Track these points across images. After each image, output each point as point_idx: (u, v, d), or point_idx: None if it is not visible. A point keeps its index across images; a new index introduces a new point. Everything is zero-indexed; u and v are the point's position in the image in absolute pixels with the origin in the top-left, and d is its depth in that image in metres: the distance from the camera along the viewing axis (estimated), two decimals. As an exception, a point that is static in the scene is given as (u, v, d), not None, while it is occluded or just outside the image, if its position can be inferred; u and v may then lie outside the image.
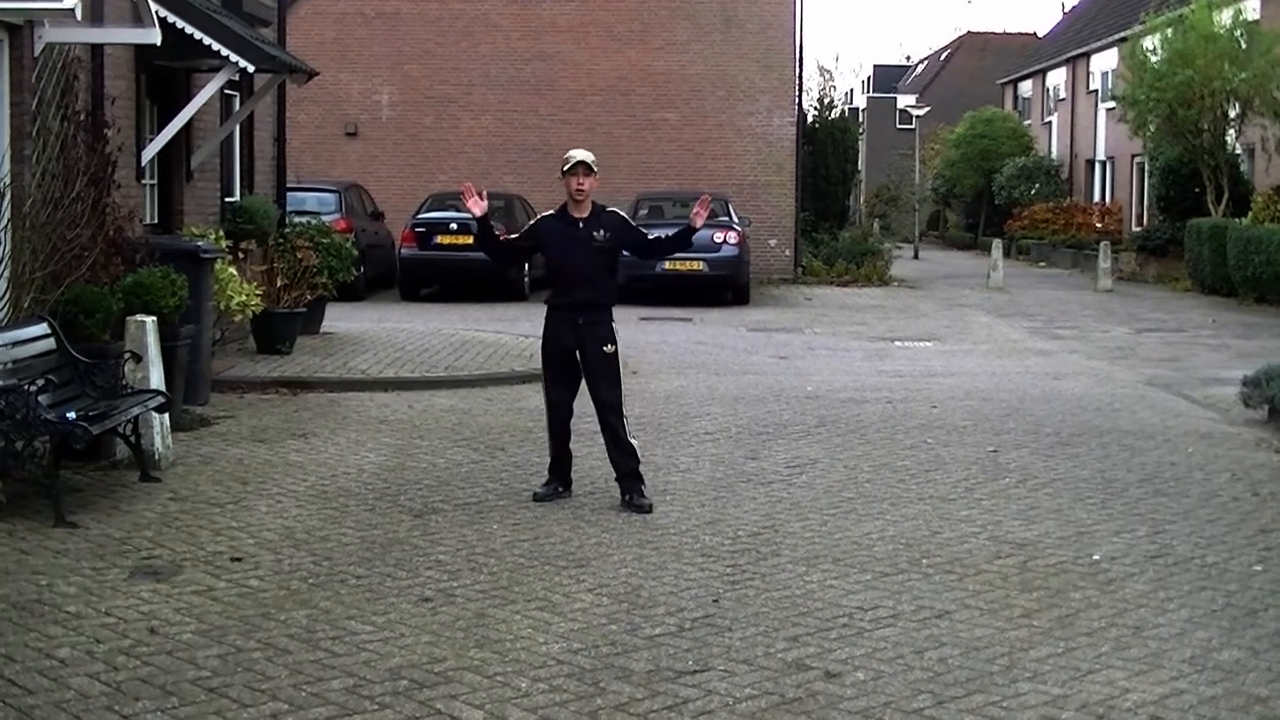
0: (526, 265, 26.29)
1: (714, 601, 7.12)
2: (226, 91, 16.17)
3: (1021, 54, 62.65)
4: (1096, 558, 8.11)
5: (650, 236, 9.64)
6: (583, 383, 9.45)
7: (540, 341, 9.58)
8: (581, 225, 9.28)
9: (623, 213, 9.59)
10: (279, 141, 18.73)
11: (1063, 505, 9.51)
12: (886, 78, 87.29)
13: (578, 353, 9.29)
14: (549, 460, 9.60)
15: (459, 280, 26.31)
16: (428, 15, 32.91)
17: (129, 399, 9.71)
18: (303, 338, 16.53)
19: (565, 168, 9.27)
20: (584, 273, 9.26)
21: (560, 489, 9.45)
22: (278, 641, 6.35)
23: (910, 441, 11.88)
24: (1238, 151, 32.32)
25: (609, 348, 9.29)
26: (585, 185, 9.23)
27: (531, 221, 9.66)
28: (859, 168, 44.57)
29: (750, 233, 28.95)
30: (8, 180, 10.51)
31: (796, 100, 33.34)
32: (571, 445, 9.59)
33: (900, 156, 56.55)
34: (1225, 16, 31.12)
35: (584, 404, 9.55)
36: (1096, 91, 45.57)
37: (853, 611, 6.99)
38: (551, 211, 9.54)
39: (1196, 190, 32.91)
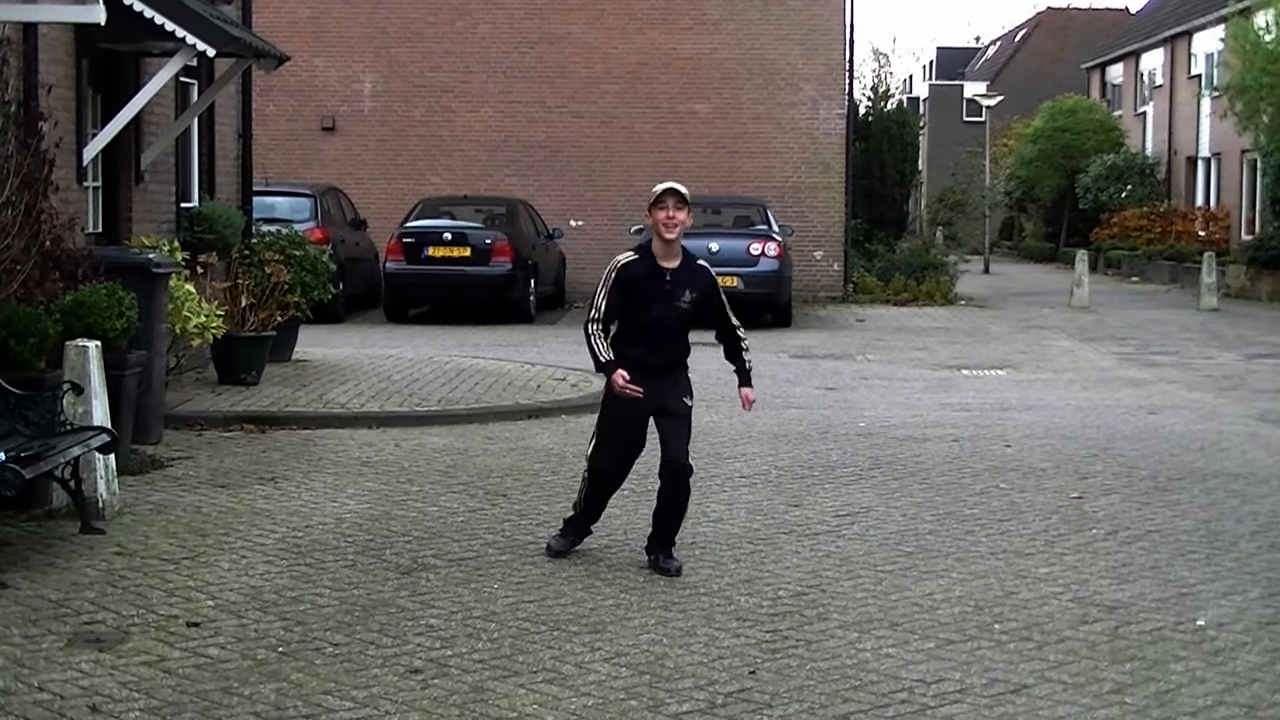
0: (532, 282, 26.38)
1: (750, 673, 7.10)
2: (182, 79, 16.24)
3: (1110, 33, 62.71)
4: (1201, 623, 8.07)
5: (734, 321, 9.26)
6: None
7: (603, 397, 9.26)
8: (669, 279, 9.01)
9: (712, 271, 9.29)
10: (244, 138, 18.79)
11: (1160, 561, 9.47)
12: (952, 62, 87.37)
13: (653, 409, 9.11)
14: (573, 515, 9.51)
15: (454, 299, 26.36)
16: (417, -9, 33.08)
17: (68, 437, 9.72)
18: (272, 366, 16.57)
19: (653, 200, 8.99)
20: (668, 335, 9.07)
21: (575, 542, 9.46)
22: (241, 720, 6.34)
23: (980, 486, 11.85)
24: (1368, 146, 32.26)
25: (689, 400, 9.21)
26: (678, 218, 8.91)
27: (613, 271, 9.06)
28: (919, 167, 44.58)
29: (793, 243, 28.96)
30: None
31: (847, 89, 33.39)
32: (573, 484, 9.55)
33: (968, 154, 56.63)
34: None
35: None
36: (1199, 77, 45.55)
37: (913, 685, 6.96)
38: (632, 254, 9.16)
39: (1319, 192, 32.86)
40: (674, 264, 9.04)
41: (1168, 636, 7.81)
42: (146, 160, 15.29)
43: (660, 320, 9.01)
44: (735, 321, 9.28)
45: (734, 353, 9.32)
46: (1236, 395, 17.97)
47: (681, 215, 8.94)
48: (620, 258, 9.16)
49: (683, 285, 9.02)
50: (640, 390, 8.90)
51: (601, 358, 8.98)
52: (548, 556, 9.27)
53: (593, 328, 9.04)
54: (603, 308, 9.03)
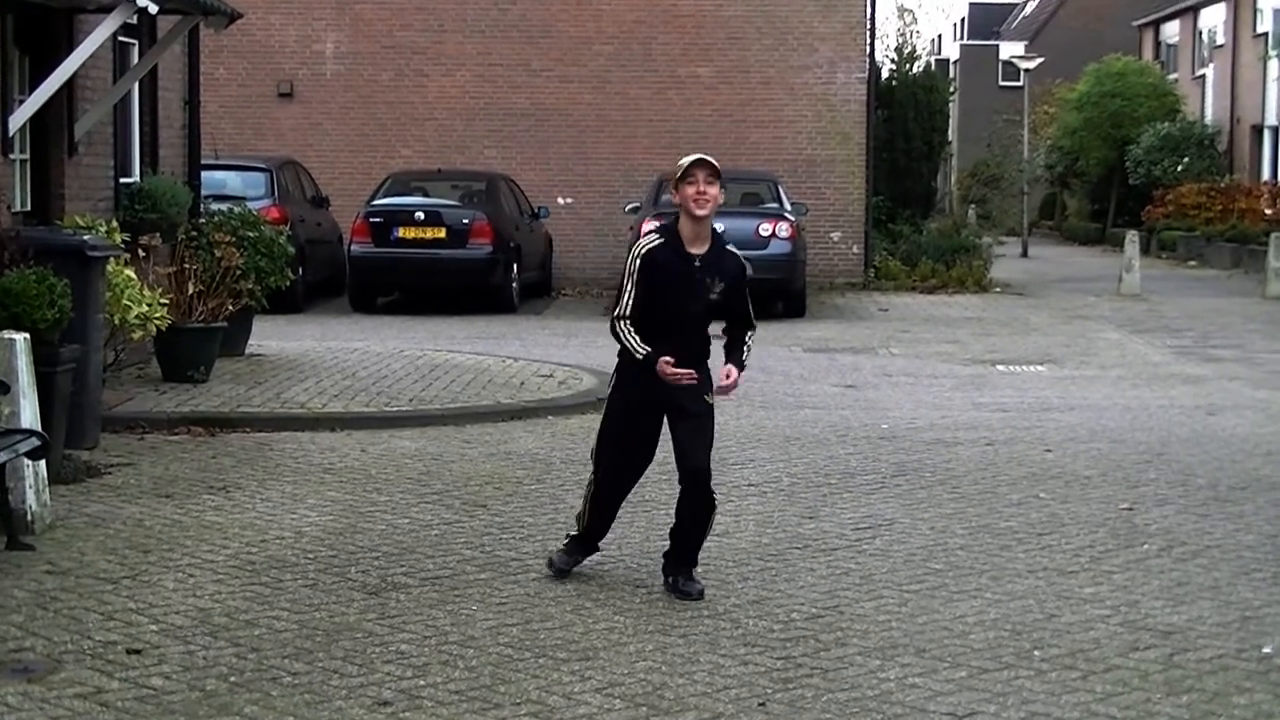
0: (515, 267, 26.35)
1: (760, 705, 7.11)
2: (121, 39, 16.22)
3: (1164, -13, 62.69)
4: (1267, 650, 8.08)
5: (750, 314, 9.27)
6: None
7: (609, 394, 9.28)
8: (699, 265, 8.99)
9: (743, 260, 9.31)
10: (191, 105, 18.78)
11: (1220, 581, 9.48)
12: (986, 19, 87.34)
13: (664, 408, 9.06)
14: (577, 531, 9.41)
15: (427, 286, 26.35)
16: (385, -60, 33.05)
17: (-6, 441, 9.72)
18: (222, 360, 16.56)
19: (680, 174, 8.97)
20: (692, 329, 9.01)
21: (580, 558, 9.37)
22: (188, 759, 6.36)
23: (1017, 496, 11.87)
24: None
25: (710, 397, 9.09)
26: (709, 194, 8.89)
27: (638, 254, 9.05)
28: (949, 138, 44.58)
29: (807, 223, 28.93)
30: None
31: (868, 50, 33.36)
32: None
33: (1004, 123, 56.55)
34: None
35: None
36: (1265, 35, 45.53)
37: (942, 719, 6.97)
38: (656, 235, 9.15)
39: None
40: (703, 249, 9.02)
41: (1230, 665, 7.82)
42: (81, 130, 15.27)
43: (685, 313, 8.97)
44: (751, 314, 9.25)
45: (734, 345, 9.23)
46: (1306, 394, 18.01)
47: (714, 190, 8.92)
48: (644, 241, 9.12)
49: (712, 273, 9.01)
50: (695, 375, 8.92)
51: (639, 353, 8.90)
52: (548, 571, 9.24)
53: (621, 325, 8.99)
54: (631, 303, 8.98)
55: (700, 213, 8.91)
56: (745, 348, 9.22)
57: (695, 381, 8.94)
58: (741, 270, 9.19)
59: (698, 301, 8.96)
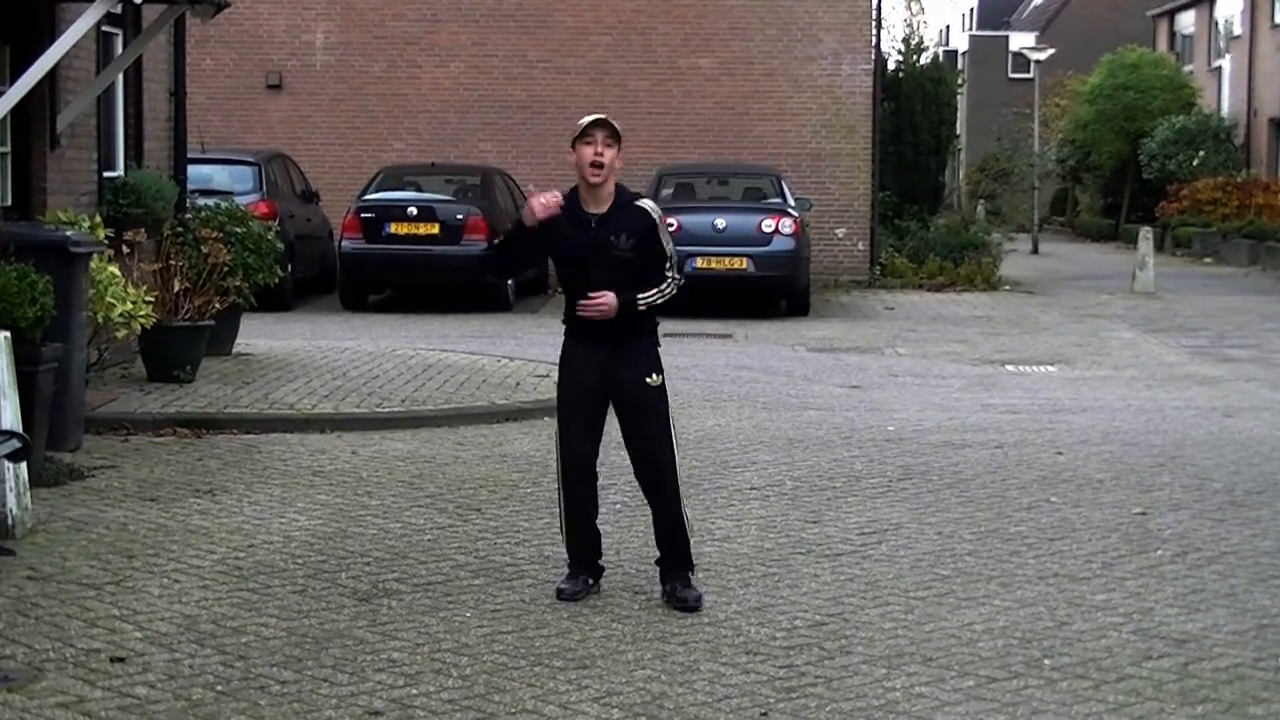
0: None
1: (762, 715, 7.13)
2: (105, 28, 16.22)
3: (1180, -24, 62.67)
4: (1282, 658, 8.10)
5: (669, 264, 8.99)
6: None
7: (556, 376, 9.26)
8: (595, 225, 8.90)
9: (656, 211, 9.11)
10: (177, 97, 18.77)
11: (1237, 588, 9.48)
12: (995, 9, 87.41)
13: (608, 392, 9.01)
14: (566, 544, 9.29)
15: (420, 283, 26.34)
16: (377, -73, 33.05)
17: (-27, 443, 9.72)
18: (209, 360, 16.57)
19: (578, 133, 8.91)
20: (604, 290, 8.88)
21: (590, 581, 9.17)
22: (173, 770, 6.36)
23: (1027, 500, 11.88)
24: None
25: (653, 378, 8.98)
26: (605, 157, 8.81)
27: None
28: (958, 131, 44.56)
29: (811, 220, 28.92)
30: None
31: (874, 41, 33.36)
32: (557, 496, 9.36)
33: (1014, 116, 56.58)
34: None
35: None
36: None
37: (951, 730, 6.98)
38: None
39: None
40: (602, 208, 8.93)
41: (1246, 675, 7.83)
42: (63, 122, 15.27)
43: (591, 273, 8.87)
44: (672, 275, 8.97)
45: (666, 286, 8.97)
46: (1325, 395, 18.01)
47: (611, 154, 8.84)
48: None
49: (612, 229, 8.88)
50: (554, 201, 8.84)
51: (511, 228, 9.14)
52: (559, 601, 8.99)
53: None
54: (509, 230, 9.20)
55: (594, 180, 8.84)
56: (655, 291, 8.89)
57: (556, 209, 8.83)
58: (652, 225, 8.96)
59: (606, 263, 8.84)
